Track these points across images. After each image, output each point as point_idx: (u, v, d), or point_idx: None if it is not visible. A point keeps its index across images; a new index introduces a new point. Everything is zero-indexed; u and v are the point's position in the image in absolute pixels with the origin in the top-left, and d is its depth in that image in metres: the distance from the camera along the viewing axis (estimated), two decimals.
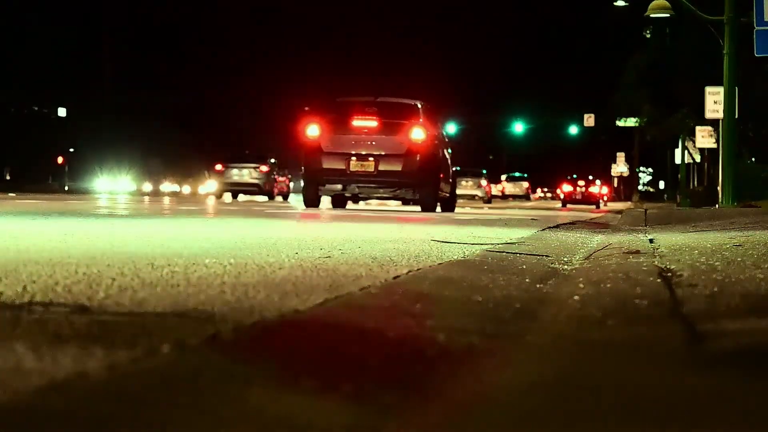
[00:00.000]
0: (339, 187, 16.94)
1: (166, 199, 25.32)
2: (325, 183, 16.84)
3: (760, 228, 6.98)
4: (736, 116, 21.68)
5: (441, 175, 17.22)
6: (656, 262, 4.31)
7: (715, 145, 35.18)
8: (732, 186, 21.39)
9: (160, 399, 1.48)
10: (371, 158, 16.42)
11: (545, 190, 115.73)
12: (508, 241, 6.56)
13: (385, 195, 17.75)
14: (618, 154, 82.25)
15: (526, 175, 72.18)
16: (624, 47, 53.25)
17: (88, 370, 1.63)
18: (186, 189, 66.25)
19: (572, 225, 10.54)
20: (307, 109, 19.68)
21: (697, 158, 47.31)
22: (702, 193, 39.50)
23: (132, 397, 1.48)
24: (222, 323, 2.25)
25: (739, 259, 4.17)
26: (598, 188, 54.52)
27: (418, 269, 3.95)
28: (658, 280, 3.50)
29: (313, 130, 16.65)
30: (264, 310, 2.49)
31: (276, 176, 37.41)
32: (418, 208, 17.18)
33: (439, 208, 17.49)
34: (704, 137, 37.81)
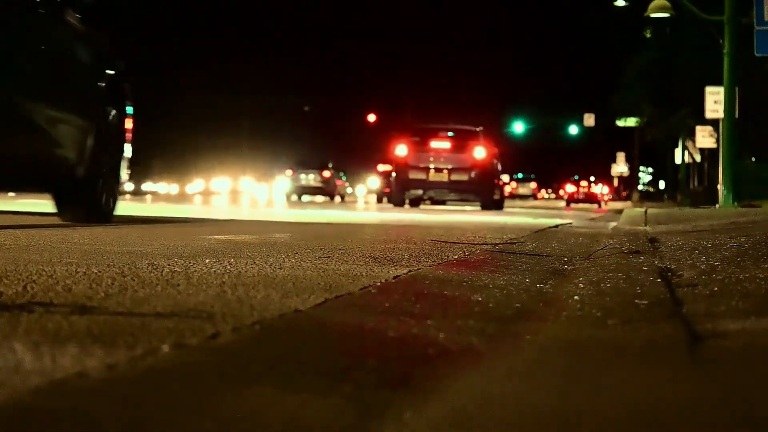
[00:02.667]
0: (420, 192, 22.95)
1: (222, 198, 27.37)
2: (410, 189, 22.89)
3: (760, 228, 6.98)
4: (736, 116, 21.68)
5: (495, 182, 23.49)
6: (656, 262, 4.31)
7: (715, 145, 35.20)
8: (732, 186, 21.39)
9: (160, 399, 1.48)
10: (445, 170, 22.60)
11: (549, 190, 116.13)
12: (509, 241, 6.56)
13: (454, 198, 23.64)
14: (618, 154, 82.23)
15: (533, 176, 72.96)
16: (624, 47, 53.26)
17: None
18: (174, 188, 67.31)
19: (572, 224, 10.55)
20: (394, 133, 26.67)
21: (697, 158, 47.31)
22: (702, 193, 39.51)
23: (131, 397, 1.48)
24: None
25: (739, 259, 4.16)
26: (599, 189, 58.38)
27: (418, 269, 3.95)
28: (658, 280, 3.50)
29: (401, 150, 23.09)
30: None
31: (336, 180, 43.46)
32: (479, 207, 23.13)
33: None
34: (704, 137, 37.82)
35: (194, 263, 3.82)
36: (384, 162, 41.46)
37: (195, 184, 68.46)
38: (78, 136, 7.41)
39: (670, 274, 3.77)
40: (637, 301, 2.96)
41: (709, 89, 26.86)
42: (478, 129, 24.32)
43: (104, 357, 1.75)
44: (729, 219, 9.92)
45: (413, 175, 22.66)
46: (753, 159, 37.23)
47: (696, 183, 51.22)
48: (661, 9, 23.41)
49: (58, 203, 7.93)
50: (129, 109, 8.32)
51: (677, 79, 41.54)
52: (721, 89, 22.73)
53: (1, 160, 6.55)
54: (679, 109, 43.15)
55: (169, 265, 3.71)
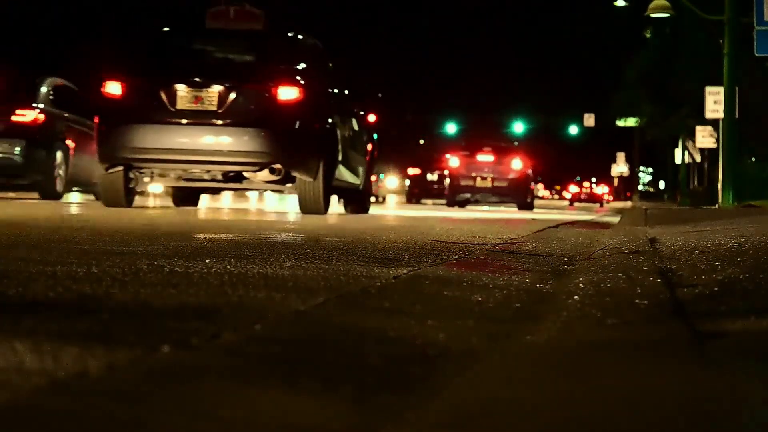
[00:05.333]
0: (468, 195, 28.53)
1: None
2: (461, 193, 28.46)
3: (760, 228, 6.98)
4: (736, 116, 21.67)
5: (529, 187, 28.49)
6: (656, 262, 4.31)
7: (715, 145, 35.18)
8: (732, 186, 21.39)
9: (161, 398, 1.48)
10: (489, 178, 28.19)
11: (552, 191, 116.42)
12: (509, 241, 6.56)
13: (495, 200, 28.81)
14: (618, 154, 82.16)
15: (539, 178, 73.26)
16: (624, 47, 53.26)
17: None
18: None
19: (572, 224, 10.55)
20: (447, 148, 33.67)
21: (697, 158, 47.30)
22: (702, 193, 39.50)
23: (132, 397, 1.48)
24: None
25: (739, 259, 4.16)
26: (601, 189, 63.53)
27: (418, 269, 3.95)
28: (658, 280, 3.50)
29: (454, 162, 28.91)
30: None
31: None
32: (515, 207, 27.91)
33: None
34: (704, 137, 37.81)
35: (195, 263, 3.82)
36: (413, 166, 48.14)
37: None
38: (363, 165, 14.28)
39: (670, 274, 3.77)
40: (637, 301, 2.96)
41: (709, 89, 26.85)
42: (515, 143, 30.97)
43: (105, 357, 1.76)
44: (729, 219, 9.92)
45: (463, 182, 28.37)
46: (753, 159, 37.21)
47: (696, 183, 51.22)
48: (661, 9, 23.41)
49: (345, 204, 14.61)
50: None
51: (677, 79, 41.51)
52: (721, 89, 22.72)
53: (346, 190, 13.88)
54: (679, 109, 43.12)
55: (169, 265, 3.71)
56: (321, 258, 4.38)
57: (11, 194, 18.38)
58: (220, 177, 11.97)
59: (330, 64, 13.30)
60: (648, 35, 48.78)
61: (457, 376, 1.87)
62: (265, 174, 11.73)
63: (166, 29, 12.77)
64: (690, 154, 48.66)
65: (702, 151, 43.65)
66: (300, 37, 12.65)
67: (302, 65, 12.14)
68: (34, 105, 16.29)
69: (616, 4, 39.50)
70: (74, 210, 11.84)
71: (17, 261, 3.65)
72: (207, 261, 3.96)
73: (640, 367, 1.92)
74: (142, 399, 1.47)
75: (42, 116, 16.24)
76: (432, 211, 20.13)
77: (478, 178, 28.25)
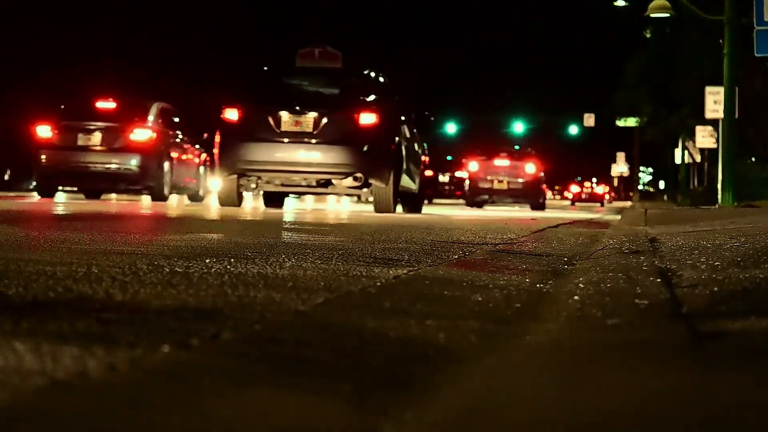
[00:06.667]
0: (487, 197, 31.07)
1: None
2: (480, 194, 30.92)
3: (760, 228, 6.98)
4: (736, 116, 21.67)
5: (541, 189, 31.12)
6: (656, 262, 4.31)
7: (715, 145, 35.17)
8: (732, 186, 21.39)
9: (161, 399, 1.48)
10: (504, 181, 30.73)
11: (554, 191, 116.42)
12: (509, 241, 6.56)
13: (510, 201, 31.30)
14: (618, 154, 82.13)
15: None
16: (624, 47, 53.27)
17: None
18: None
19: (572, 224, 10.55)
20: (467, 154, 36.04)
21: (697, 158, 47.29)
22: (702, 193, 39.49)
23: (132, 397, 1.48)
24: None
25: (739, 258, 4.16)
26: (602, 189, 66.31)
27: (417, 269, 3.95)
28: (658, 280, 3.50)
29: (473, 166, 31.51)
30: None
31: None
32: (528, 208, 30.31)
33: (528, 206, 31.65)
34: (704, 137, 37.80)
35: (195, 263, 3.82)
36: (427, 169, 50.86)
37: None
38: (418, 173, 17.18)
39: (670, 274, 3.77)
40: (637, 301, 2.96)
41: (709, 89, 26.84)
42: (529, 150, 33.56)
43: (105, 357, 1.76)
44: (729, 219, 9.92)
45: (482, 184, 31.06)
46: (753, 159, 37.21)
47: (696, 183, 51.21)
48: (661, 9, 23.40)
49: (403, 205, 16.94)
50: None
51: (677, 79, 41.52)
52: (721, 89, 22.72)
53: (406, 193, 16.62)
54: (679, 109, 43.13)
55: (169, 265, 3.71)
56: (321, 258, 4.39)
57: (129, 197, 23.45)
58: (313, 183, 15.27)
59: (395, 96, 16.76)
60: (648, 35, 48.79)
61: (457, 376, 1.87)
62: (349, 181, 15.09)
63: (265, 68, 16.43)
64: (690, 154, 48.64)
65: (702, 151, 43.64)
66: (372, 74, 16.28)
67: (375, 96, 15.66)
68: (147, 125, 20.23)
69: (616, 4, 39.49)
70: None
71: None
72: (207, 261, 3.96)
73: (640, 367, 1.92)
74: (142, 399, 1.47)
75: (154, 135, 20.17)
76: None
77: (495, 181, 31.09)
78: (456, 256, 4.90)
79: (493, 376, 1.92)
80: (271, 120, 15.01)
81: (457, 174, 46.62)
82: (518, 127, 73.69)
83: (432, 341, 2.22)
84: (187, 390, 1.55)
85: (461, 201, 39.20)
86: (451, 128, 70.28)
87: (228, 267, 3.70)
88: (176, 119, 21.93)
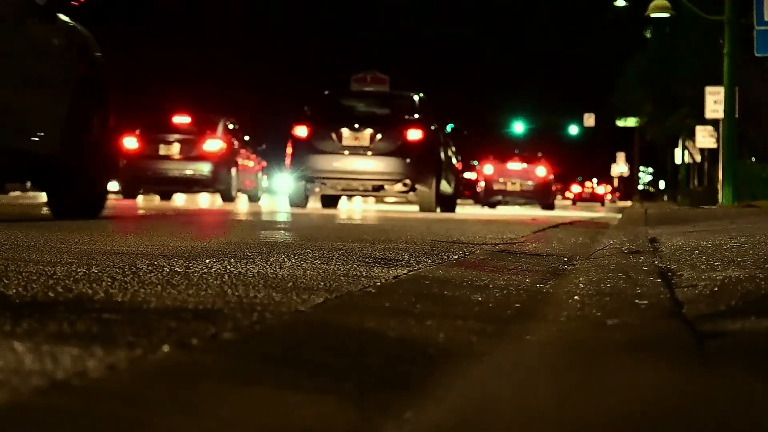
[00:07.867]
0: (500, 197, 33.36)
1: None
2: (494, 195, 33.23)
3: (760, 228, 6.98)
4: (736, 116, 21.68)
5: (551, 190, 33.77)
6: (656, 262, 4.31)
7: (715, 145, 35.18)
8: (732, 186, 21.39)
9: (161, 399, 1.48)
10: (517, 183, 33.23)
11: (555, 191, 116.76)
12: (509, 241, 6.56)
13: (522, 202, 33.65)
14: (618, 154, 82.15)
15: None
16: (624, 47, 53.29)
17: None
18: None
19: (572, 224, 10.55)
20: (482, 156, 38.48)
21: (697, 158, 47.29)
22: (702, 193, 39.48)
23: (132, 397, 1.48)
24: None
25: (739, 258, 4.16)
26: (603, 189, 70.31)
27: (417, 269, 3.95)
28: (658, 280, 3.50)
29: (488, 169, 33.85)
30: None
31: None
32: (539, 207, 32.35)
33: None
34: (704, 137, 37.80)
35: (194, 263, 3.82)
36: None
37: None
38: (453, 179, 20.43)
39: (670, 274, 3.77)
40: (637, 301, 2.96)
41: (709, 89, 26.85)
42: (539, 154, 35.78)
43: (105, 357, 1.76)
44: (729, 219, 9.92)
45: (496, 186, 33.50)
46: (753, 159, 37.20)
47: (696, 183, 51.21)
48: (661, 9, 23.41)
49: (440, 205, 19.07)
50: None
51: (677, 79, 41.52)
52: (721, 89, 22.73)
53: (443, 196, 19.18)
54: (679, 109, 43.13)
55: (169, 265, 3.71)
56: (321, 258, 4.39)
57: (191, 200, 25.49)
58: (369, 188, 18.40)
59: (434, 113, 19.54)
60: (648, 35, 48.79)
61: (457, 375, 1.87)
62: (399, 186, 18.12)
63: (326, 92, 20.15)
64: (690, 154, 48.65)
65: (702, 151, 43.65)
66: (416, 96, 19.37)
67: (419, 115, 18.74)
68: (218, 137, 23.95)
69: (616, 4, 39.49)
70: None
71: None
72: (207, 261, 3.96)
73: (640, 367, 1.92)
74: (142, 399, 1.47)
75: (224, 145, 23.89)
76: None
77: (508, 183, 33.70)
78: (456, 256, 4.90)
79: (494, 375, 1.92)
80: (334, 135, 18.07)
81: (466, 175, 47.41)
82: (518, 128, 73.71)
83: (432, 341, 2.22)
84: (186, 390, 1.55)
85: (470, 201, 41.77)
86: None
87: (228, 267, 3.70)
88: (239, 132, 25.56)
